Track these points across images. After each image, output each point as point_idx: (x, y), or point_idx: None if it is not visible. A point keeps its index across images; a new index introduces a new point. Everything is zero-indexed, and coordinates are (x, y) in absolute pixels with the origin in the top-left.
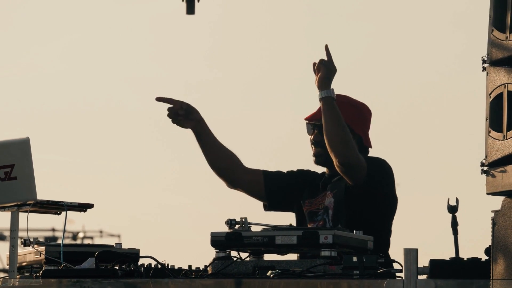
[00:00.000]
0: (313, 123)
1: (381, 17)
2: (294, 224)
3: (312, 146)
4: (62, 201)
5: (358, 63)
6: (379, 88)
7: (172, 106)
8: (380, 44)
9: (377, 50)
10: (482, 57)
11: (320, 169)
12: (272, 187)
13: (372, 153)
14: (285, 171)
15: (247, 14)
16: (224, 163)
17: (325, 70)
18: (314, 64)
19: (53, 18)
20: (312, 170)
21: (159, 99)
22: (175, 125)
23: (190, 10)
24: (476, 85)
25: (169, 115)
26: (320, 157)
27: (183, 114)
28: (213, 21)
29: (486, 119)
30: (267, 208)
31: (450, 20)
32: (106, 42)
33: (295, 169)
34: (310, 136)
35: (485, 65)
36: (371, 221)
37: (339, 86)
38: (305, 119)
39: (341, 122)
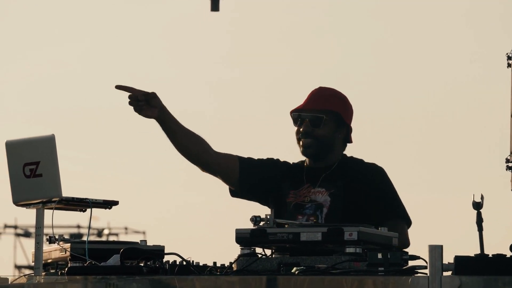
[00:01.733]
0: (304, 114)
1: (403, 15)
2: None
3: (301, 137)
4: (87, 198)
5: (378, 61)
6: (404, 84)
7: (131, 94)
8: (401, 40)
9: (400, 46)
10: (507, 54)
11: (288, 158)
12: (247, 174)
13: (397, 150)
14: (258, 159)
15: (265, 13)
16: (195, 148)
17: None
18: None
19: (75, 17)
20: (287, 161)
21: (118, 87)
22: (137, 114)
23: (215, 7)
24: (501, 82)
25: (130, 103)
26: (310, 148)
27: (143, 100)
28: (231, 20)
29: (511, 115)
30: (235, 194)
31: (476, 16)
32: (128, 41)
33: (265, 158)
34: (297, 128)
35: (510, 62)
36: (363, 221)
37: (356, 81)
38: (295, 110)
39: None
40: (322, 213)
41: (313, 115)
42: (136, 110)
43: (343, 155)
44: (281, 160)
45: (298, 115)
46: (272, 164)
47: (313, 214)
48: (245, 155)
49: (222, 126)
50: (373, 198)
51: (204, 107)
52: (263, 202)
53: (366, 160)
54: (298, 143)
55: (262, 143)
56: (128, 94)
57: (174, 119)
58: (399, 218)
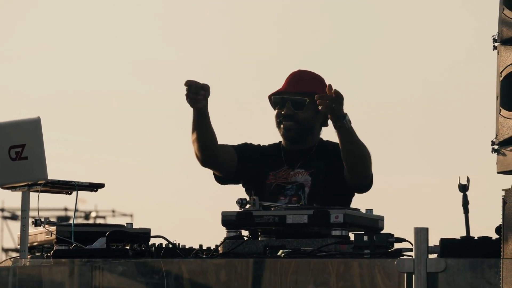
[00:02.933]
0: (286, 96)
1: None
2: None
3: (283, 120)
4: (73, 181)
5: (371, 45)
6: (390, 69)
7: (193, 87)
8: (391, 26)
9: (389, 32)
10: (492, 36)
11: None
12: (243, 163)
13: (388, 132)
14: (240, 145)
15: None
16: (215, 146)
17: (340, 104)
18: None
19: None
20: (260, 144)
21: (188, 83)
22: (187, 102)
23: None
24: (487, 64)
25: (188, 95)
26: (291, 131)
27: (203, 94)
28: (225, 4)
29: (497, 98)
30: (224, 181)
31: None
32: (119, 24)
33: (242, 143)
34: (278, 111)
35: (496, 44)
36: (344, 202)
37: (350, 67)
38: (277, 92)
39: (362, 144)
40: (304, 192)
41: (296, 97)
42: (191, 101)
43: (320, 138)
44: (254, 143)
45: (280, 98)
46: (251, 149)
47: (295, 195)
48: (230, 140)
49: (215, 109)
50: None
51: None
52: (244, 185)
53: None
54: (279, 126)
55: (254, 128)
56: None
57: (208, 114)
58: None
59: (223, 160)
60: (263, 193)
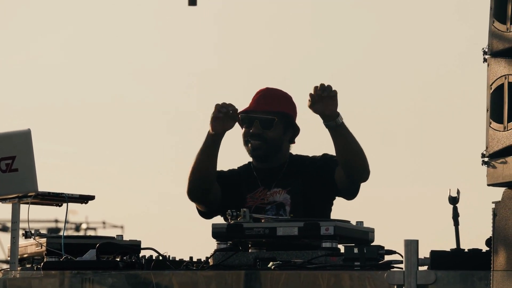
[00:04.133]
0: (254, 115)
1: (383, 9)
2: None
3: (249, 139)
4: (63, 193)
5: (360, 55)
6: (382, 79)
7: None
8: (381, 35)
9: (378, 42)
10: (483, 49)
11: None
12: (226, 193)
13: (370, 143)
14: (221, 172)
15: (249, 4)
16: (212, 182)
17: (336, 98)
18: (315, 95)
19: (56, 9)
20: (232, 168)
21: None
22: (216, 119)
23: (192, 1)
24: (477, 77)
25: (221, 110)
26: (259, 150)
27: (231, 114)
28: (216, 12)
29: (487, 110)
30: (208, 215)
31: (451, 11)
32: (109, 34)
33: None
34: (246, 130)
35: (486, 56)
36: (324, 215)
37: (338, 76)
38: (244, 111)
39: (357, 142)
40: (285, 211)
41: (265, 116)
42: (220, 119)
43: (290, 154)
44: (225, 170)
45: (248, 116)
46: (224, 177)
47: (276, 215)
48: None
49: (202, 117)
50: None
51: (187, 100)
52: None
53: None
54: (246, 145)
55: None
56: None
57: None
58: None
59: (214, 198)
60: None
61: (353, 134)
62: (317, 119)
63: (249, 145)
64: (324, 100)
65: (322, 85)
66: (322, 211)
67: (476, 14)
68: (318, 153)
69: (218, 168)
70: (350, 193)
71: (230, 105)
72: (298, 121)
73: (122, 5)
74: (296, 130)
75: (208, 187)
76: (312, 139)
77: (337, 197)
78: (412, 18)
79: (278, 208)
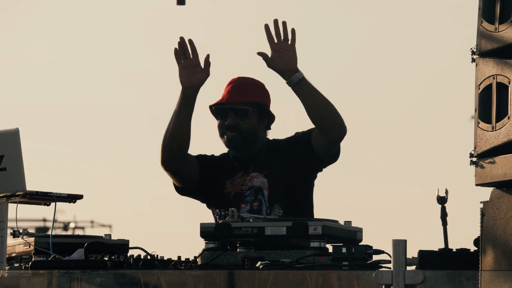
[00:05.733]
0: (229, 107)
1: (373, 10)
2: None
3: (225, 131)
4: (51, 192)
5: (350, 56)
6: (369, 82)
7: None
8: (372, 36)
9: (370, 43)
10: (471, 49)
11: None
12: (204, 174)
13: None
14: (204, 155)
15: (238, 3)
16: (185, 148)
17: (293, 51)
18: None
19: (47, 9)
20: (213, 154)
21: (181, 43)
22: (183, 69)
23: (181, 1)
24: (465, 76)
25: (184, 64)
26: (235, 142)
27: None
28: (206, 12)
29: (475, 110)
30: (184, 191)
31: (440, 12)
32: (98, 34)
33: (198, 154)
34: (221, 121)
35: (474, 56)
36: (305, 197)
37: (328, 77)
38: (218, 103)
39: (325, 97)
40: (264, 196)
41: (239, 107)
42: (184, 66)
43: (266, 139)
44: (208, 154)
45: (221, 108)
46: (208, 160)
47: (255, 200)
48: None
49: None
50: (297, 147)
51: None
52: (204, 199)
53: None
54: (222, 136)
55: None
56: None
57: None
58: None
59: (186, 169)
60: (223, 203)
61: (319, 91)
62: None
63: (225, 136)
64: (283, 55)
65: (284, 30)
66: (301, 192)
67: (465, 14)
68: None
69: (201, 152)
70: (332, 155)
71: (193, 51)
72: (274, 107)
73: (111, 5)
74: (271, 118)
75: (181, 154)
76: (289, 123)
77: (319, 172)
78: (400, 19)
79: (257, 193)
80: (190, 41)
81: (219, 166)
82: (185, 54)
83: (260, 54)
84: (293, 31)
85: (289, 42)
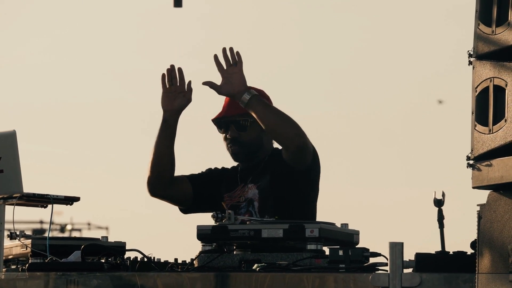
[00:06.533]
0: (228, 119)
1: (371, 12)
2: None
3: (229, 144)
4: (48, 194)
5: (348, 58)
6: (367, 84)
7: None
8: (370, 39)
9: (367, 45)
10: (468, 51)
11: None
12: (199, 192)
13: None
14: (200, 173)
15: (235, 6)
16: (170, 168)
17: (240, 73)
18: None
19: (41, 11)
20: (224, 167)
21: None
22: (164, 92)
23: (178, 3)
24: (462, 79)
25: (169, 88)
26: (239, 154)
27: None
28: (202, 14)
29: (472, 113)
30: (186, 211)
31: (436, 14)
32: (95, 35)
33: (205, 169)
34: (224, 134)
35: (471, 59)
36: (297, 209)
37: (325, 78)
38: (217, 117)
39: (276, 109)
40: (254, 207)
41: (237, 119)
42: (168, 90)
43: (273, 149)
44: (219, 167)
45: (222, 122)
46: (211, 174)
47: (246, 212)
48: (211, 155)
49: (190, 121)
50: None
51: None
52: (204, 211)
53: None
54: (228, 149)
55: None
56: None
57: (175, 130)
58: None
59: (175, 192)
60: None
61: (273, 107)
62: (299, 108)
63: (229, 150)
64: (232, 79)
65: (231, 55)
66: (294, 203)
67: (462, 17)
68: None
69: (213, 166)
70: (305, 165)
71: (181, 79)
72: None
73: (108, 6)
74: None
75: (163, 180)
76: None
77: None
78: (397, 21)
79: (248, 204)
80: (180, 69)
81: (220, 180)
82: (172, 81)
83: (206, 83)
84: (238, 53)
85: (236, 65)
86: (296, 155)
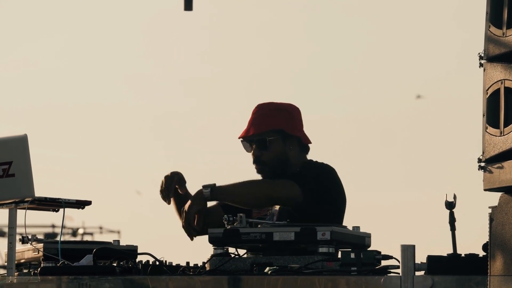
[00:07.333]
0: (248, 139)
1: (378, 14)
2: None
3: (254, 163)
4: (60, 198)
5: (354, 60)
6: (376, 86)
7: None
8: (378, 41)
9: (375, 47)
10: (479, 53)
11: None
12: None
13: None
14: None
15: (245, 11)
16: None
17: (186, 194)
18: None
19: (51, 14)
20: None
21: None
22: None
23: (188, 6)
24: (473, 81)
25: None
26: (263, 173)
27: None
28: (211, 18)
29: (483, 115)
30: None
31: (447, 16)
32: (105, 39)
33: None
34: (250, 153)
35: (482, 61)
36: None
37: (334, 81)
38: (240, 137)
39: (241, 184)
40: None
41: (257, 139)
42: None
43: (303, 162)
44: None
45: (243, 142)
46: None
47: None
48: (219, 158)
49: (200, 125)
50: None
51: (182, 106)
52: None
53: (332, 159)
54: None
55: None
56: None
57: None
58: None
59: (212, 225)
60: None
61: (238, 189)
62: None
63: (256, 169)
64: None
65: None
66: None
67: (472, 19)
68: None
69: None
70: (298, 205)
71: (170, 187)
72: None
73: (117, 9)
74: (298, 139)
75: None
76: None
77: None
78: (408, 22)
79: (270, 218)
80: (166, 185)
81: None
82: (169, 198)
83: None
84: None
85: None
86: (287, 206)
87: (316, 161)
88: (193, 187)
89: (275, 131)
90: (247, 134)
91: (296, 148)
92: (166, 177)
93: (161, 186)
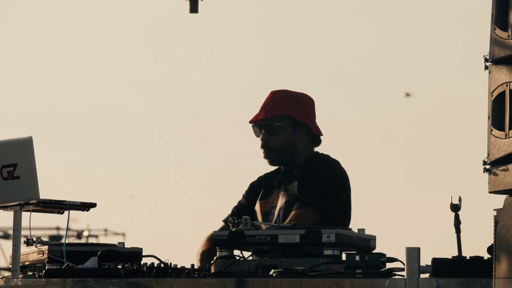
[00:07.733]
0: (258, 123)
1: (382, 16)
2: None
3: (261, 149)
4: (65, 200)
5: (358, 62)
6: (381, 87)
7: None
8: (381, 43)
9: (379, 49)
10: (484, 56)
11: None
12: (252, 203)
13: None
14: (242, 200)
15: (249, 13)
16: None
17: None
18: None
19: (53, 16)
20: (267, 172)
21: None
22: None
23: (194, 9)
24: (479, 84)
25: None
26: (272, 159)
27: None
28: (214, 20)
29: (488, 118)
30: None
31: (452, 18)
32: (109, 41)
33: (247, 188)
34: (258, 138)
35: (487, 64)
36: (326, 219)
37: (339, 83)
38: (250, 121)
39: None
40: (279, 216)
41: (266, 123)
42: None
43: (311, 153)
44: (255, 180)
45: (253, 126)
46: (250, 192)
47: (273, 219)
48: (226, 167)
49: (205, 126)
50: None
51: (187, 107)
52: None
53: (338, 154)
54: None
55: (245, 144)
56: None
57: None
58: (305, 207)
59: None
60: (255, 220)
61: None
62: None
63: (263, 154)
64: None
65: None
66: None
67: (477, 21)
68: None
69: (251, 180)
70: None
71: None
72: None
73: (121, 10)
74: (308, 128)
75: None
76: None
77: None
78: (412, 24)
79: (277, 212)
80: None
81: (261, 187)
82: None
83: None
84: None
85: None
86: None
87: (322, 153)
88: (194, 188)
89: (285, 117)
90: (256, 118)
91: (305, 137)
92: None
93: None
